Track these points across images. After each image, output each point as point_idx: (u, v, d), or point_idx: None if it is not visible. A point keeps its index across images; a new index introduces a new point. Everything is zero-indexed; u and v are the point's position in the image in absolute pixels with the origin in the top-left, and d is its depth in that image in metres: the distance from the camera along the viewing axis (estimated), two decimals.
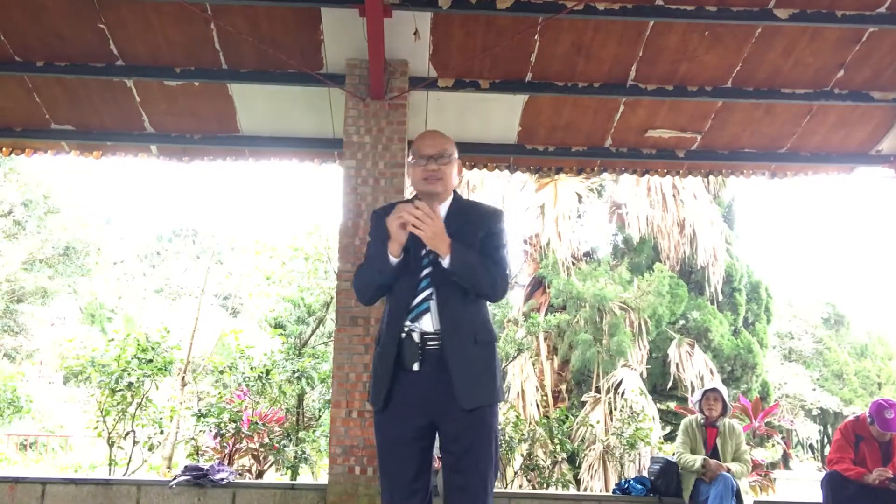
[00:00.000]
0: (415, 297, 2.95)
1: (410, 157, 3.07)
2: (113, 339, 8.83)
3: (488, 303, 3.11)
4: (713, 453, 6.53)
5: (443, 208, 3.06)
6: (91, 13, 6.32)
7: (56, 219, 22.94)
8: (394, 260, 2.92)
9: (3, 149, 7.63)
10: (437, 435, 2.99)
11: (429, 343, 2.91)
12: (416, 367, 2.89)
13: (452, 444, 2.90)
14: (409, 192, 8.35)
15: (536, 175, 12.16)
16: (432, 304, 2.94)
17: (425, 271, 2.97)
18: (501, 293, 3.05)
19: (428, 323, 2.92)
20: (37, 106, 7.22)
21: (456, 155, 3.11)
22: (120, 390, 8.26)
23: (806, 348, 26.83)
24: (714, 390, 6.82)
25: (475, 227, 3.03)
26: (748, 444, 7.28)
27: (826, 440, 25.53)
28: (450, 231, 2.88)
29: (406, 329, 2.91)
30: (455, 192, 3.15)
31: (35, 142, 7.60)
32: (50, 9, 6.30)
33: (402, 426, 2.92)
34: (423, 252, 2.96)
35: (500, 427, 3.02)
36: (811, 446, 26.95)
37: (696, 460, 6.38)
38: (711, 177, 8.68)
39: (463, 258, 2.88)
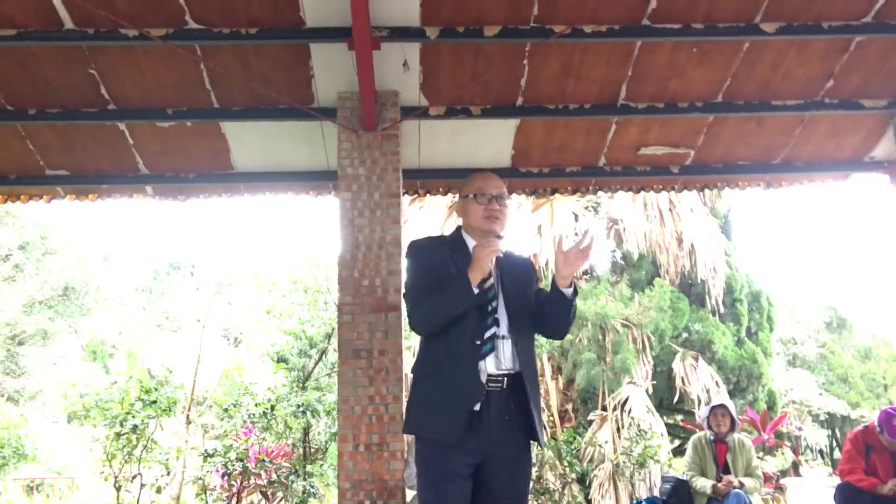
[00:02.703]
0: (483, 334, 2.93)
1: (469, 194, 3.12)
2: (116, 382, 8.79)
3: None
4: (724, 470, 6.48)
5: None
6: (81, 59, 6.33)
7: (54, 259, 22.98)
8: (475, 290, 2.92)
9: None
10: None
11: (491, 384, 2.89)
12: (477, 407, 2.86)
13: (505, 482, 2.90)
14: (405, 222, 8.36)
15: (532, 196, 12.18)
16: (501, 342, 2.94)
17: (491, 306, 2.99)
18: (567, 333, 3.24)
19: (491, 362, 2.91)
20: (30, 153, 7.23)
21: None
22: (125, 433, 8.22)
23: (810, 353, 26.74)
24: (721, 406, 6.78)
25: (526, 276, 3.18)
26: (758, 457, 7.23)
27: (835, 444, 25.40)
28: (504, 271, 3.05)
29: (477, 368, 2.88)
30: None
31: (30, 188, 7.59)
32: (40, 56, 6.31)
33: (458, 463, 2.86)
34: (487, 285, 2.98)
35: None
36: (820, 451, 26.81)
37: (707, 487, 6.34)
38: (707, 190, 8.68)
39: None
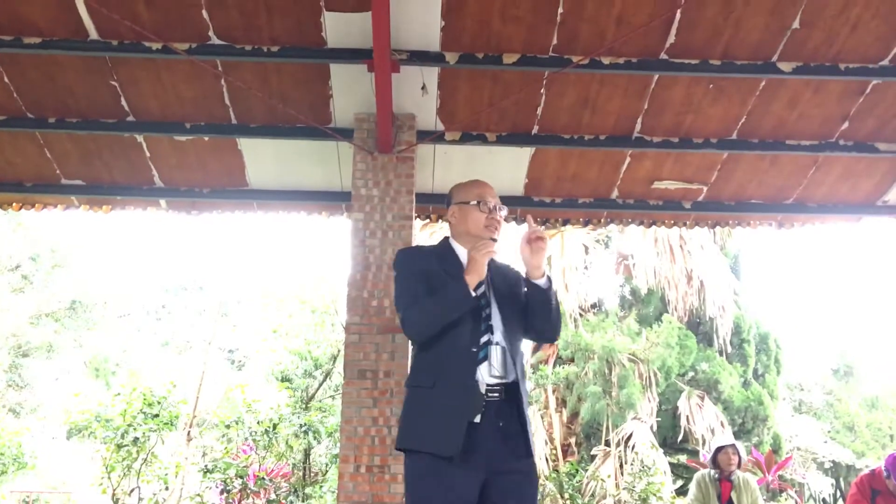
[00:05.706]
0: (478, 341, 2.85)
1: (470, 201, 3.05)
2: (119, 394, 8.78)
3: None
4: None
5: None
6: (104, 70, 6.39)
7: (63, 273, 23.01)
8: (473, 294, 2.86)
9: (14, 204, 7.67)
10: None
11: (490, 394, 2.81)
12: (477, 419, 2.76)
13: (508, 498, 2.77)
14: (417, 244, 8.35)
15: (543, 227, 12.17)
16: (493, 349, 2.86)
17: (485, 313, 2.91)
18: (558, 333, 3.16)
19: (485, 371, 2.82)
20: (48, 161, 7.28)
21: None
22: (125, 445, 8.20)
23: (816, 400, 26.51)
24: (732, 445, 6.70)
25: (515, 280, 3.09)
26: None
27: (839, 494, 25.08)
28: (494, 276, 3.00)
29: (474, 377, 2.80)
30: None
31: (45, 197, 7.64)
32: (63, 66, 6.37)
33: (466, 480, 2.73)
34: (479, 291, 2.92)
35: None
36: (824, 500, 26.45)
37: None
38: (718, 227, 8.67)
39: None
